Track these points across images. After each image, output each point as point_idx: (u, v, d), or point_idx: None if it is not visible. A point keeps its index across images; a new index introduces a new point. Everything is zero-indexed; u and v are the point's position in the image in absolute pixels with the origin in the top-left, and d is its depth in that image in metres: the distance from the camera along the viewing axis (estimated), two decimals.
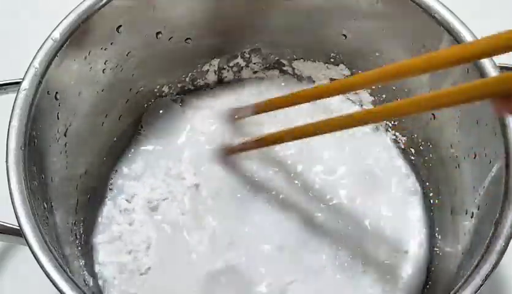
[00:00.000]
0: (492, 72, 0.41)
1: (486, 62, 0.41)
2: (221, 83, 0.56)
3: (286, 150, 0.52)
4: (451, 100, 0.33)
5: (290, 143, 0.50)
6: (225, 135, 0.53)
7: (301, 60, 0.54)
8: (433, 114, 0.48)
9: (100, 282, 0.47)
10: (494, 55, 0.32)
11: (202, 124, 0.54)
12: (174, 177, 0.51)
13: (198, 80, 0.55)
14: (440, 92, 0.34)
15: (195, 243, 0.49)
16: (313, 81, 0.55)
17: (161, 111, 0.54)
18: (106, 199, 0.51)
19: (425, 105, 0.35)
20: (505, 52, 0.30)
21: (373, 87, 0.53)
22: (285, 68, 0.55)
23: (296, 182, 0.51)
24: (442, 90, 0.34)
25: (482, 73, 0.41)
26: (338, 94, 0.46)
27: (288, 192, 0.51)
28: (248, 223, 0.50)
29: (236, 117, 0.52)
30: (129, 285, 0.47)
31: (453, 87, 0.33)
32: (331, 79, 0.54)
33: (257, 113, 0.49)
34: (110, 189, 0.51)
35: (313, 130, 0.43)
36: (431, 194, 0.51)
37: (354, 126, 0.42)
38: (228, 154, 0.51)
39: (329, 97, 0.45)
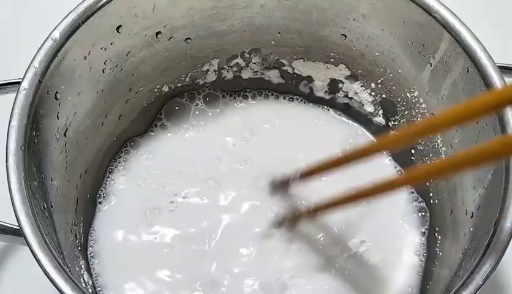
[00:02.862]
0: (492, 72, 0.41)
1: (487, 64, 0.41)
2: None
3: None
4: (479, 161, 0.33)
5: None
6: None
7: (301, 60, 0.54)
8: (433, 114, 0.48)
9: (99, 282, 0.47)
10: None
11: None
12: (173, 177, 0.51)
13: (198, 80, 0.55)
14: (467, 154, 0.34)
15: (196, 240, 0.49)
16: (313, 81, 0.55)
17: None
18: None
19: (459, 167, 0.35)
20: None
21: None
22: (284, 68, 0.55)
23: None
24: (467, 151, 0.34)
25: (481, 72, 0.41)
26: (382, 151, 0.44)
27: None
28: None
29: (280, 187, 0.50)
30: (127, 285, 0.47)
31: (479, 147, 0.33)
32: (331, 79, 0.54)
33: (306, 178, 0.47)
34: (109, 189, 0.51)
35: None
36: (431, 194, 0.51)
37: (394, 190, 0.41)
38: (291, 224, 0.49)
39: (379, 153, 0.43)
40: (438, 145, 0.49)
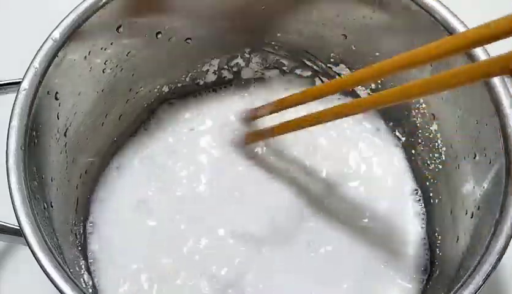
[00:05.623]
0: None
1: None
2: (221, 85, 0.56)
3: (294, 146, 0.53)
4: (442, 85, 0.35)
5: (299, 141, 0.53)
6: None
7: (301, 60, 0.54)
8: (433, 114, 0.48)
9: (98, 281, 0.47)
10: (486, 44, 0.33)
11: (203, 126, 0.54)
12: (172, 176, 0.52)
13: (198, 80, 0.55)
14: (432, 78, 0.35)
15: (194, 238, 0.49)
16: (313, 81, 0.55)
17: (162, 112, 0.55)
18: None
19: (419, 91, 0.37)
20: (495, 40, 0.32)
21: (372, 83, 0.53)
22: (284, 68, 0.55)
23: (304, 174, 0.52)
24: (434, 76, 0.35)
25: None
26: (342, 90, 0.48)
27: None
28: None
29: (251, 117, 0.52)
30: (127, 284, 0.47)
31: (444, 73, 0.34)
32: (331, 79, 0.54)
33: (272, 112, 0.49)
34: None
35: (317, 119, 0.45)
36: (431, 194, 0.51)
37: (349, 114, 0.44)
38: (247, 141, 0.52)
39: (336, 92, 0.49)
40: (438, 145, 0.49)
